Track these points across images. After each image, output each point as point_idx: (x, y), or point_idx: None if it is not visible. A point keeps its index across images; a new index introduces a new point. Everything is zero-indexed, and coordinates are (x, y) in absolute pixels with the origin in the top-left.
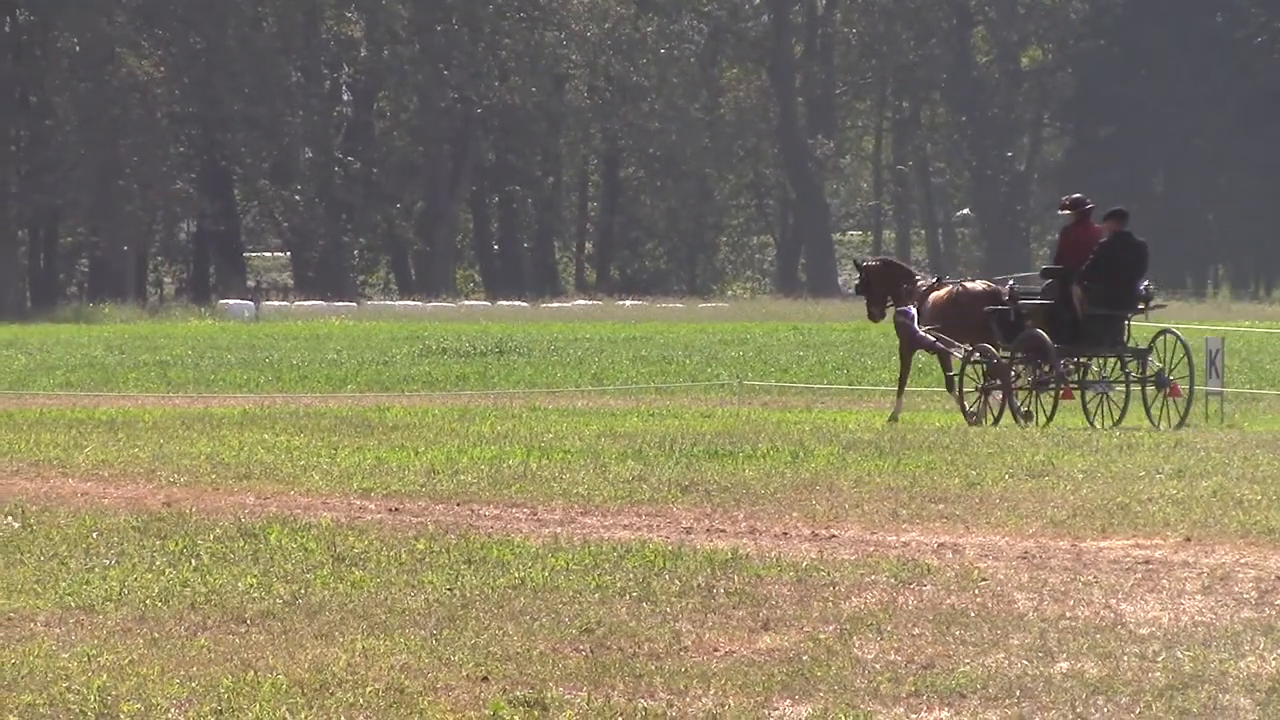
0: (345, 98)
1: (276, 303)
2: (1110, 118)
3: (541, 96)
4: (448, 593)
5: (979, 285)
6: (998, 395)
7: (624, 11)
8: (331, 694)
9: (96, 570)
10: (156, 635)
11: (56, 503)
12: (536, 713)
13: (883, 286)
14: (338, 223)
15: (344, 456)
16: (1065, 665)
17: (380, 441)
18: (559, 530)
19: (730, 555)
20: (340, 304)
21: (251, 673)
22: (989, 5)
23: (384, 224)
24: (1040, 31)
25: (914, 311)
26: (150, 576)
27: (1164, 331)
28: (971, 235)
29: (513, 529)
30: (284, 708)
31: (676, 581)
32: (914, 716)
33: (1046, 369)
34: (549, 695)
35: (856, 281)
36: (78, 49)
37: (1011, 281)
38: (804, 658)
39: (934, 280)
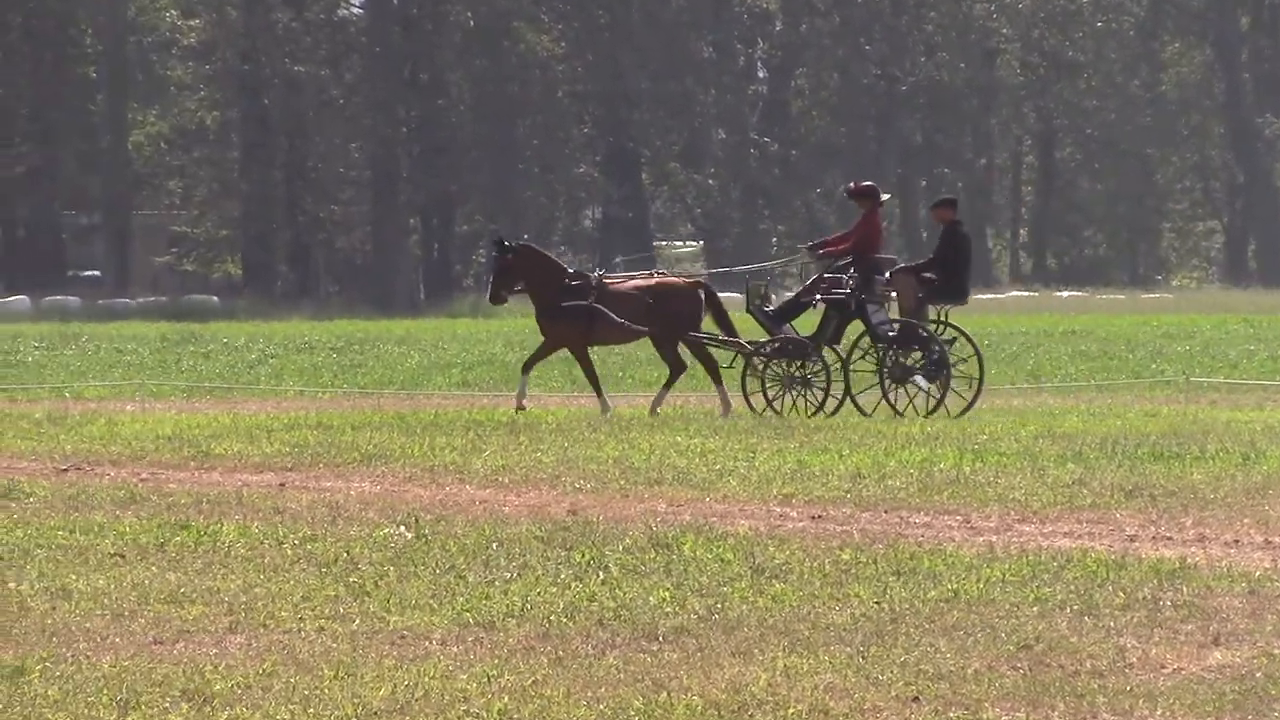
0: (760, 74)
1: None
2: None
3: (971, 72)
4: (875, 606)
5: (676, 278)
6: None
7: None
8: (750, 715)
9: (496, 584)
10: (561, 654)
11: (453, 511)
12: None
13: (521, 273)
14: (754, 209)
15: (763, 460)
16: None
17: (802, 444)
18: (994, 539)
19: (1178, 565)
20: None
21: (664, 694)
22: None
23: (803, 209)
24: None
25: (601, 308)
26: (554, 590)
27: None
28: None
29: (944, 537)
30: None
31: (1120, 593)
32: None
33: (912, 358)
34: (984, 716)
35: (493, 259)
36: (472, 23)
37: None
38: (1257, 675)
39: (600, 273)
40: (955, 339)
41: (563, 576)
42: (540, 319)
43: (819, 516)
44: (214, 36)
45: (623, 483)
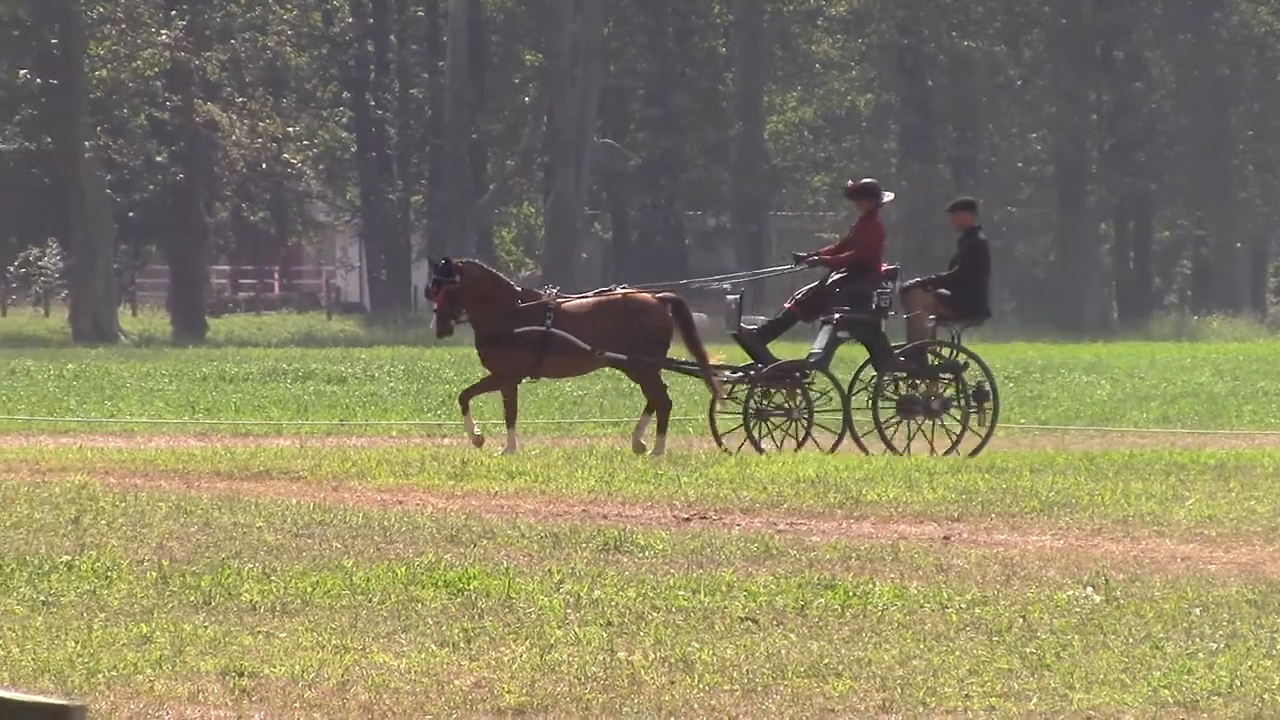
0: None
1: None
2: None
3: None
4: None
5: (643, 293)
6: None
7: None
8: None
9: (1200, 656)
10: None
11: (1149, 570)
12: None
13: (468, 298)
14: None
15: None
16: None
17: None
18: None
19: None
20: None
21: None
22: None
23: None
24: None
25: (561, 333)
26: (1269, 664)
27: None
28: None
29: None
30: None
31: None
32: None
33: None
34: None
35: (436, 283)
36: None
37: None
38: None
39: (553, 290)
40: (966, 364)
41: (1279, 648)
42: (485, 348)
43: None
44: (867, 5)
45: None
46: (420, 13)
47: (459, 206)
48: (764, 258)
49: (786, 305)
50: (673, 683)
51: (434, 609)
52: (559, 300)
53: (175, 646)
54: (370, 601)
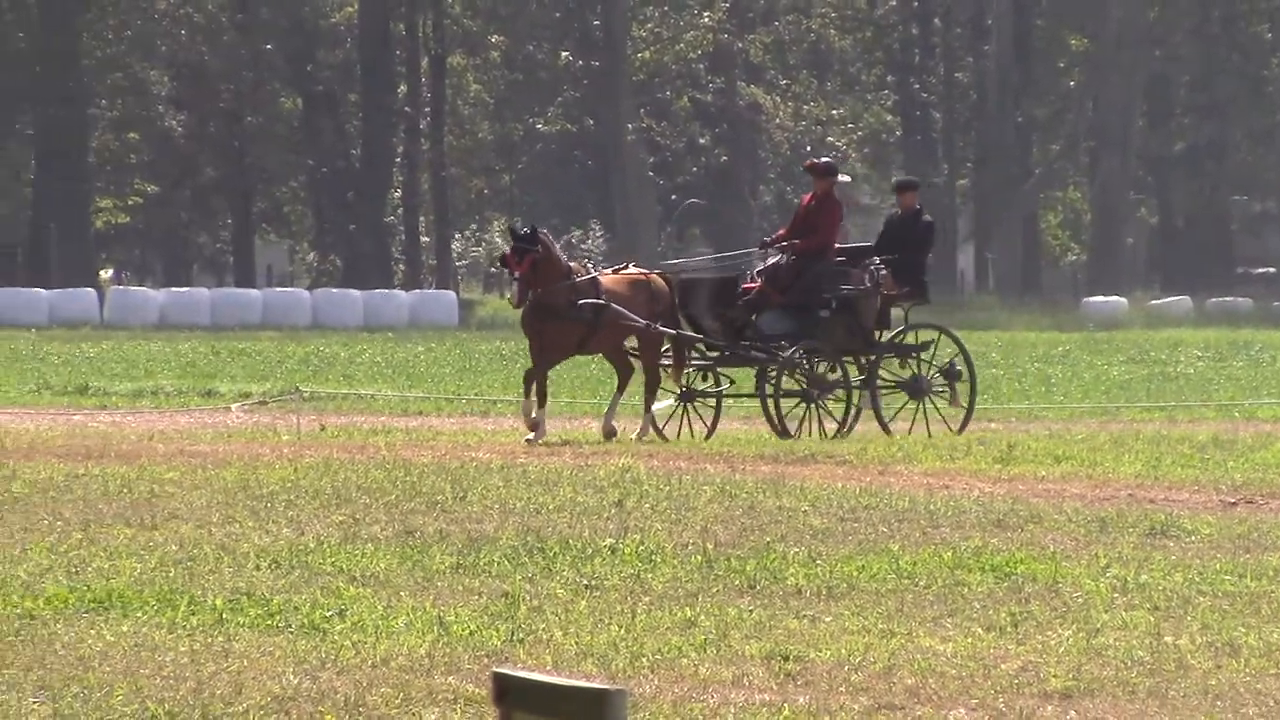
0: None
1: None
2: None
3: None
4: None
5: (635, 271)
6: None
7: None
8: None
9: None
10: None
11: None
12: None
13: (540, 269)
14: None
15: None
16: None
17: None
18: None
19: None
20: None
21: None
22: None
23: None
24: None
25: (617, 307)
26: None
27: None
28: None
29: None
30: None
31: None
32: None
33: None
34: None
35: (519, 251)
36: None
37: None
38: None
39: (597, 265)
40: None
41: None
42: (548, 323)
43: None
44: None
45: None
46: None
47: (1003, 191)
48: None
49: (752, 286)
50: (1219, 667)
51: (980, 593)
52: (591, 277)
53: (719, 630)
54: (916, 586)
